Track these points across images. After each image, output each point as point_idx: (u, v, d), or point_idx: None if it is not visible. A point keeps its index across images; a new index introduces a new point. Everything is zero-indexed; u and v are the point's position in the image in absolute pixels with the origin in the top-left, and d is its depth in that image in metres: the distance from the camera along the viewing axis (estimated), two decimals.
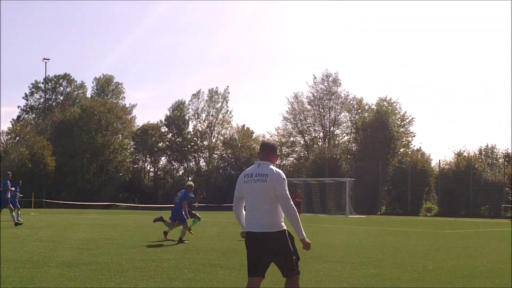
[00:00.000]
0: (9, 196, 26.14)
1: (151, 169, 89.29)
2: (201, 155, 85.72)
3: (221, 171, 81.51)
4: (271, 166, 6.57)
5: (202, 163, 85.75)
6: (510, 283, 10.50)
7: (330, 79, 79.80)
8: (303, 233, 6.44)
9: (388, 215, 60.68)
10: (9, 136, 76.60)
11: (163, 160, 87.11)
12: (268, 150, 6.73)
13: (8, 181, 26.37)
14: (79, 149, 77.39)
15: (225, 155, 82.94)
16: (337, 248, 17.07)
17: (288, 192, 6.41)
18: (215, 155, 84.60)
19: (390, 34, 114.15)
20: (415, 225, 35.68)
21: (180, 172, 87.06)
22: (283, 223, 6.49)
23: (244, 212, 6.82)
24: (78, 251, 14.46)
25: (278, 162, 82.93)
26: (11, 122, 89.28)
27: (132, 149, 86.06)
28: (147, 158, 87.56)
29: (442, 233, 26.69)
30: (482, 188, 59.19)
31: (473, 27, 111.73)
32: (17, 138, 75.78)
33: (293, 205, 6.41)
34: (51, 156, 72.29)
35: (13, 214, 25.94)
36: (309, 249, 6.56)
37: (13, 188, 26.85)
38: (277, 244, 6.42)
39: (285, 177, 6.46)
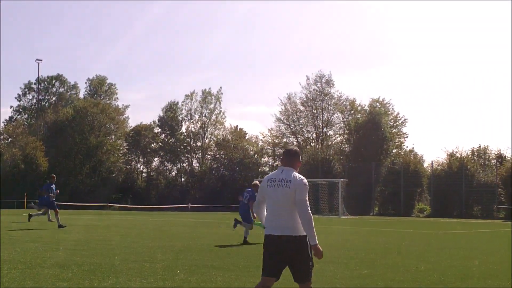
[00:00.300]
0: (54, 199, 26.63)
1: (144, 170, 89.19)
2: (194, 155, 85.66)
3: (214, 171, 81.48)
4: (295, 173, 6.74)
5: (195, 164, 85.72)
6: (503, 284, 10.53)
7: (323, 80, 79.92)
8: (316, 240, 6.52)
9: (381, 215, 60.77)
10: (2, 136, 76.38)
11: (156, 161, 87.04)
12: (291, 157, 6.90)
13: (53, 184, 26.93)
14: (72, 150, 77.19)
15: (218, 156, 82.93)
16: (330, 248, 17.08)
17: (307, 198, 6.54)
18: (208, 156, 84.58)
19: (384, 35, 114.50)
20: (408, 225, 35.73)
21: (173, 173, 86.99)
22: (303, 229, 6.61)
23: (265, 213, 6.97)
24: (71, 252, 14.44)
25: (271, 163, 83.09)
26: (3, 123, 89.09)
27: (125, 150, 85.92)
28: (140, 159, 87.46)
29: (435, 233, 26.76)
30: (474, 189, 59.33)
31: (467, 27, 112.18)
32: (10, 139, 75.54)
33: (310, 212, 6.50)
34: (44, 157, 72.06)
35: (49, 214, 26.64)
36: (321, 258, 6.63)
37: (58, 191, 27.32)
38: (296, 248, 6.56)
39: (307, 184, 6.62)
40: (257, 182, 19.75)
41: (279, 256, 6.62)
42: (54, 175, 28.07)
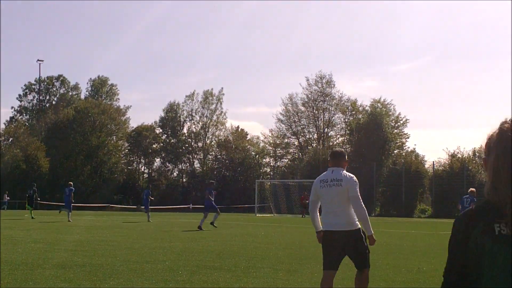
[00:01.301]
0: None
1: (146, 171, 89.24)
2: (195, 156, 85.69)
3: (215, 172, 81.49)
4: (344, 171, 7.39)
5: (197, 164, 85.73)
6: None
7: (324, 80, 79.92)
8: (372, 230, 7.26)
9: (382, 216, 60.73)
10: (3, 137, 76.46)
11: (157, 161, 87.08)
12: (339, 157, 7.56)
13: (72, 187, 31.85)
14: (73, 150, 77.26)
15: (219, 156, 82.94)
16: None
17: (359, 194, 7.20)
18: (210, 156, 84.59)
19: (384, 35, 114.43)
20: (409, 226, 35.72)
21: (175, 174, 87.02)
22: (358, 222, 7.31)
23: (318, 215, 7.59)
24: (72, 253, 14.44)
25: (273, 163, 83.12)
26: (4, 123, 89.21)
27: (127, 150, 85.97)
28: (141, 160, 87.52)
29: (436, 234, 26.75)
30: (476, 190, 59.19)
31: (468, 26, 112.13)
32: (11, 139, 75.62)
33: (363, 205, 7.19)
34: (45, 157, 72.11)
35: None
36: (374, 245, 7.38)
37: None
38: (353, 241, 7.27)
39: (357, 181, 7.31)
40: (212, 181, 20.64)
41: (338, 250, 7.23)
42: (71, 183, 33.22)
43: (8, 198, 59.09)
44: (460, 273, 2.58)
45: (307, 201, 47.18)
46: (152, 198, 35.47)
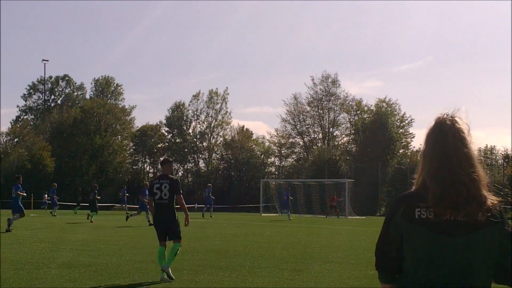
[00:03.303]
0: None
1: (151, 170, 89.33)
2: (200, 156, 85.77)
3: (220, 172, 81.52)
4: None
5: (202, 164, 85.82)
6: None
7: (329, 80, 79.83)
8: None
9: None
10: (9, 137, 76.65)
11: None
12: None
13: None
14: (78, 150, 77.36)
15: (225, 155, 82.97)
16: (336, 249, 17.07)
17: None
18: (217, 155, 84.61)
19: (388, 35, 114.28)
20: None
21: (180, 173, 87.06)
22: None
23: None
24: (77, 252, 14.47)
25: (278, 163, 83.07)
26: (10, 123, 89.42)
27: (132, 150, 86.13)
28: (147, 159, 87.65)
29: None
30: None
31: (472, 26, 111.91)
32: (16, 139, 75.79)
33: None
34: (51, 157, 72.25)
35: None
36: None
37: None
38: None
39: None
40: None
41: None
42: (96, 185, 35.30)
43: (48, 198, 59.26)
44: (386, 249, 2.92)
45: (334, 203, 47.77)
46: (127, 195, 39.09)
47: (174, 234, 11.12)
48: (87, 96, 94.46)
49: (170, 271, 10.52)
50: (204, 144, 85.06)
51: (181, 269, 11.65)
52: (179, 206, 11.39)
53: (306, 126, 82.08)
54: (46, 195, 57.41)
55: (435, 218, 2.75)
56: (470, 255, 2.72)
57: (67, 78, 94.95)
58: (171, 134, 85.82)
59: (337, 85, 79.93)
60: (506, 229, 2.83)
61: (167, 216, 11.03)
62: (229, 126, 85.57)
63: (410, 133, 77.35)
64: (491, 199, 2.85)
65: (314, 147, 79.14)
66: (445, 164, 2.81)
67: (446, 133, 2.88)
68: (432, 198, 2.75)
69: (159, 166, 11.31)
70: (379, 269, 2.98)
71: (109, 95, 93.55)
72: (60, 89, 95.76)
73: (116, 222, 31.91)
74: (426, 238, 2.74)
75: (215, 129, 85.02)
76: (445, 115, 2.97)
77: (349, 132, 79.93)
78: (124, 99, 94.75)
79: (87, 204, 35.72)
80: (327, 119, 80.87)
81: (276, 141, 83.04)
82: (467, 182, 2.78)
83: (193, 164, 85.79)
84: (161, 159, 12.73)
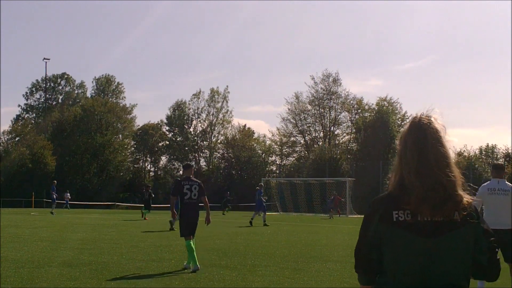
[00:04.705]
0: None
1: (152, 169, 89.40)
2: (201, 154, 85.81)
3: (221, 171, 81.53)
4: (507, 182, 9.26)
5: (203, 162, 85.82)
6: (510, 283, 10.48)
7: (330, 79, 79.84)
8: None
9: None
10: (10, 135, 76.70)
11: (164, 159, 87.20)
12: (501, 170, 9.47)
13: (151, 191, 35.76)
14: (79, 148, 77.37)
15: (226, 154, 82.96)
16: (337, 248, 17.07)
17: None
18: (218, 154, 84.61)
19: (389, 34, 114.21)
20: None
21: (181, 172, 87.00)
22: None
23: None
24: (78, 251, 14.47)
25: (279, 162, 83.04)
26: (11, 121, 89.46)
27: (133, 148, 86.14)
28: (148, 158, 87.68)
29: None
30: None
31: (474, 26, 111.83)
32: (17, 138, 75.84)
33: None
34: (52, 156, 72.26)
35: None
36: None
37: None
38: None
39: None
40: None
41: (500, 245, 8.99)
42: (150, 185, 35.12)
43: (69, 197, 59.45)
44: (365, 251, 2.92)
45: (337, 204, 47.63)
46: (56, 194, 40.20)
47: (195, 231, 12.16)
48: (88, 95, 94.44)
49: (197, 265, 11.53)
50: (205, 142, 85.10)
51: (182, 268, 11.68)
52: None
53: (307, 125, 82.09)
54: (67, 193, 57.83)
55: (413, 220, 2.77)
56: (450, 254, 2.76)
57: (66, 76, 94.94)
58: (172, 133, 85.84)
59: (338, 83, 79.95)
60: (482, 226, 2.87)
61: (195, 214, 12.17)
62: (230, 125, 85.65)
63: None
64: (466, 198, 2.87)
65: (315, 145, 79.15)
66: (424, 164, 2.81)
67: (425, 132, 2.87)
68: (415, 199, 2.76)
69: (182, 170, 12.04)
70: (359, 271, 2.99)
71: (110, 94, 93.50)
72: (60, 88, 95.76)
73: (117, 221, 31.95)
74: (405, 241, 2.76)
75: (216, 128, 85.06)
76: (422, 115, 2.97)
77: (350, 130, 79.92)
78: (125, 97, 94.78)
79: (143, 204, 37.55)
80: (328, 118, 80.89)
81: (277, 139, 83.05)
82: (444, 182, 2.79)
83: (194, 162, 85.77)
84: (184, 163, 14.00)
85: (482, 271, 2.89)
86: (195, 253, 11.62)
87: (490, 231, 2.90)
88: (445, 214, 2.78)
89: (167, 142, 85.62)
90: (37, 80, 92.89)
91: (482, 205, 9.19)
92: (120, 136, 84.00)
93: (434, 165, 2.80)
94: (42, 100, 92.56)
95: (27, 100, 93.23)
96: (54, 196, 40.87)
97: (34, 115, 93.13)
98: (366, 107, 77.74)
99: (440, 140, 2.89)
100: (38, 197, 59.90)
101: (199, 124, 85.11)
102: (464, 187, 2.92)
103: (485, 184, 9.44)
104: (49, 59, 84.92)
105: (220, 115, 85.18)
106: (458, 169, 2.89)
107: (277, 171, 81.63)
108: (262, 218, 30.19)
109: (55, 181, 42.72)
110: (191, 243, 11.73)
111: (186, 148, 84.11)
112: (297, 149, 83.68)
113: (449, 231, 2.77)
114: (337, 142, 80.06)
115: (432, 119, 2.94)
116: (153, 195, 37.19)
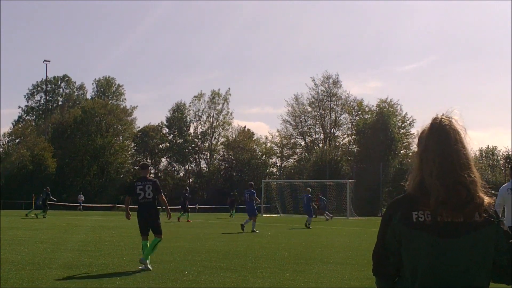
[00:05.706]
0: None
1: (152, 171, 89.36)
2: (202, 156, 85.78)
3: (222, 172, 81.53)
4: None
5: (203, 164, 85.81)
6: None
7: (331, 81, 79.87)
8: None
9: None
10: (10, 137, 76.68)
11: (164, 161, 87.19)
12: None
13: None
14: (79, 150, 77.37)
15: (226, 156, 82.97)
16: (337, 249, 17.06)
17: None
18: (219, 156, 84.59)
19: (389, 36, 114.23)
20: None
21: (181, 174, 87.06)
22: None
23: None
24: (78, 253, 14.47)
25: (279, 163, 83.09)
26: (12, 123, 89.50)
27: (133, 150, 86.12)
28: (148, 160, 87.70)
29: None
30: None
31: (473, 26, 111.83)
32: (18, 139, 75.82)
33: None
34: (52, 157, 72.24)
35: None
36: None
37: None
38: None
39: None
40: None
41: None
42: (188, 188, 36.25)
43: (83, 199, 59.50)
44: (383, 254, 2.97)
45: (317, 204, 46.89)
46: (44, 199, 39.50)
47: (157, 229, 12.66)
48: (88, 97, 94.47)
49: (148, 263, 11.82)
50: (206, 144, 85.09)
51: (182, 270, 11.66)
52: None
53: (308, 127, 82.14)
54: (81, 195, 57.93)
55: (433, 221, 2.76)
56: (470, 255, 2.74)
57: (66, 78, 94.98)
58: (171, 135, 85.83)
59: (339, 85, 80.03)
60: (502, 228, 2.86)
61: (148, 214, 12.52)
62: (231, 127, 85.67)
63: (411, 134, 77.35)
64: (487, 199, 2.86)
65: (315, 147, 79.17)
66: (446, 165, 2.81)
67: (447, 134, 2.88)
68: (436, 200, 2.75)
69: (140, 170, 12.03)
70: (377, 274, 3.04)
71: (110, 96, 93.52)
72: (61, 90, 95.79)
73: (117, 223, 31.92)
74: (426, 242, 2.74)
75: (216, 130, 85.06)
76: (443, 116, 2.97)
77: (350, 132, 79.96)
78: (125, 99, 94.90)
79: (179, 206, 38.64)
80: (329, 120, 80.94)
81: (278, 141, 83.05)
82: (466, 183, 2.80)
83: (194, 164, 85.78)
84: (140, 163, 14.04)
85: (502, 273, 2.87)
86: (149, 253, 12.17)
87: (509, 233, 2.89)
88: (466, 215, 2.77)
89: (167, 144, 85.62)
90: (37, 82, 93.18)
91: (504, 205, 9.67)
92: (121, 138, 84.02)
93: (457, 167, 2.82)
94: (43, 102, 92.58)
95: (27, 102, 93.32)
96: (41, 202, 40.37)
97: (34, 117, 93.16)
98: (367, 108, 77.80)
99: (462, 141, 2.91)
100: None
101: (200, 126, 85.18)
102: (484, 188, 2.92)
103: (504, 185, 9.95)
104: (49, 61, 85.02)
105: (221, 117, 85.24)
106: (477, 171, 2.92)
107: (278, 173, 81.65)
108: (252, 224, 25.61)
109: (48, 188, 42.21)
110: (147, 243, 12.32)
111: (186, 150, 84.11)
112: (298, 151, 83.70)
113: (470, 232, 2.76)
114: (337, 144, 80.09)
115: (452, 120, 2.95)
116: (189, 195, 38.67)
